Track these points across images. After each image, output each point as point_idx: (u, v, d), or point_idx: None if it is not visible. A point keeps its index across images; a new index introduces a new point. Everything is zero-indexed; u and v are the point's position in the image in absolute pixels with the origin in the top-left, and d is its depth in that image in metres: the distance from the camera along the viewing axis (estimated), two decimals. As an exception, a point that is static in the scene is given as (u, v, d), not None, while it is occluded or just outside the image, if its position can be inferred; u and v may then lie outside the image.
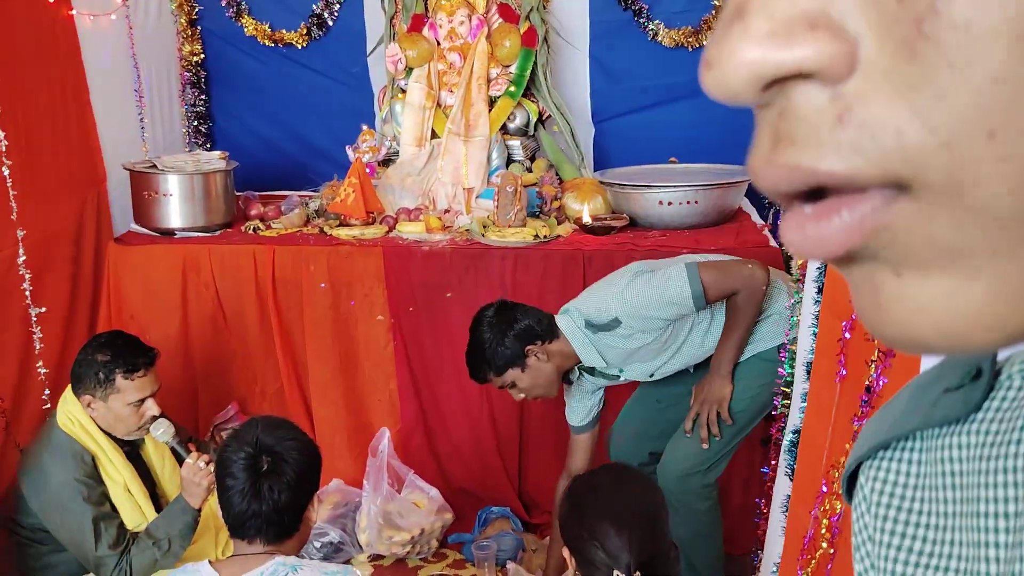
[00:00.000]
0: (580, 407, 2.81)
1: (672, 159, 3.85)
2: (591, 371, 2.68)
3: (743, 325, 2.51)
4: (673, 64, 4.09)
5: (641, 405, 2.89)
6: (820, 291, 1.53)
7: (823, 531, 1.21)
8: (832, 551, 1.18)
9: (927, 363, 0.95)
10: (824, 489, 1.31)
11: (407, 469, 3.26)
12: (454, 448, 3.39)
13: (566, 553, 1.89)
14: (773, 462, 2.12)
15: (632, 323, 2.45)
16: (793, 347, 2.30)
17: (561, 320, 2.57)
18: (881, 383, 1.05)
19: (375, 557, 3.18)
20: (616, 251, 3.22)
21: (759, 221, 3.55)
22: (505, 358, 2.54)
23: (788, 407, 2.27)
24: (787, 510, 1.63)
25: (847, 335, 1.26)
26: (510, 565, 3.01)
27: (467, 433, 3.36)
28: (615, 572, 1.72)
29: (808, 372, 1.57)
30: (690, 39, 4.06)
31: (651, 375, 2.68)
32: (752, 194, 3.71)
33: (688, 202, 3.35)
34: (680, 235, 3.32)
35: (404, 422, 3.36)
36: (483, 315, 2.61)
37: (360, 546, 3.18)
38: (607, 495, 1.87)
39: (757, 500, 2.63)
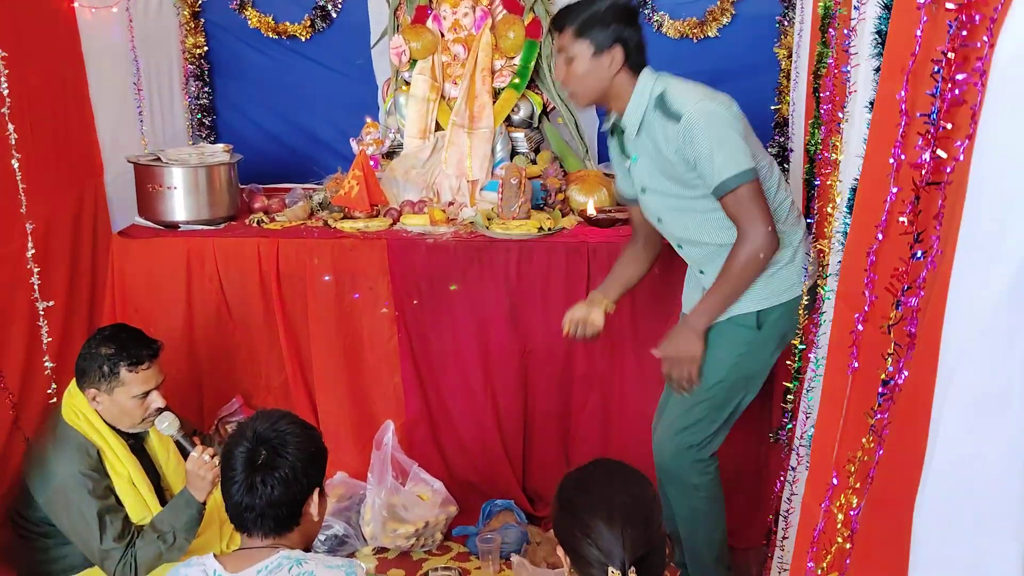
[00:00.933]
0: (621, 176, 2.76)
1: (677, 151, 3.83)
2: (620, 133, 2.61)
3: (732, 283, 2.45)
4: (678, 55, 4.07)
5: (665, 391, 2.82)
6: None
7: (839, 525, 1.21)
8: (849, 546, 1.18)
9: (945, 354, 0.94)
10: (835, 482, 1.30)
11: (411, 462, 3.26)
12: (458, 441, 3.39)
13: (560, 552, 1.88)
14: (788, 462, 2.11)
15: (686, 131, 2.36)
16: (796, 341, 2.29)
17: (648, 73, 2.49)
18: (903, 376, 1.04)
19: (379, 550, 3.18)
20: (621, 243, 3.20)
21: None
22: (597, 29, 2.43)
23: (795, 402, 2.26)
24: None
25: (860, 327, 1.25)
26: (514, 557, 3.01)
27: (471, 426, 3.36)
28: (610, 569, 1.71)
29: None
30: (695, 30, 4.04)
31: (643, 190, 2.62)
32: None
33: (693, 194, 3.33)
34: (685, 227, 3.30)
35: (408, 415, 3.35)
36: None
37: (364, 539, 3.18)
38: (598, 492, 1.86)
39: (776, 492, 2.60)
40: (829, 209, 1.86)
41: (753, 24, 3.96)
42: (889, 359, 1.11)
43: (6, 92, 2.78)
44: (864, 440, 1.16)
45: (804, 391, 2.06)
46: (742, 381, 2.58)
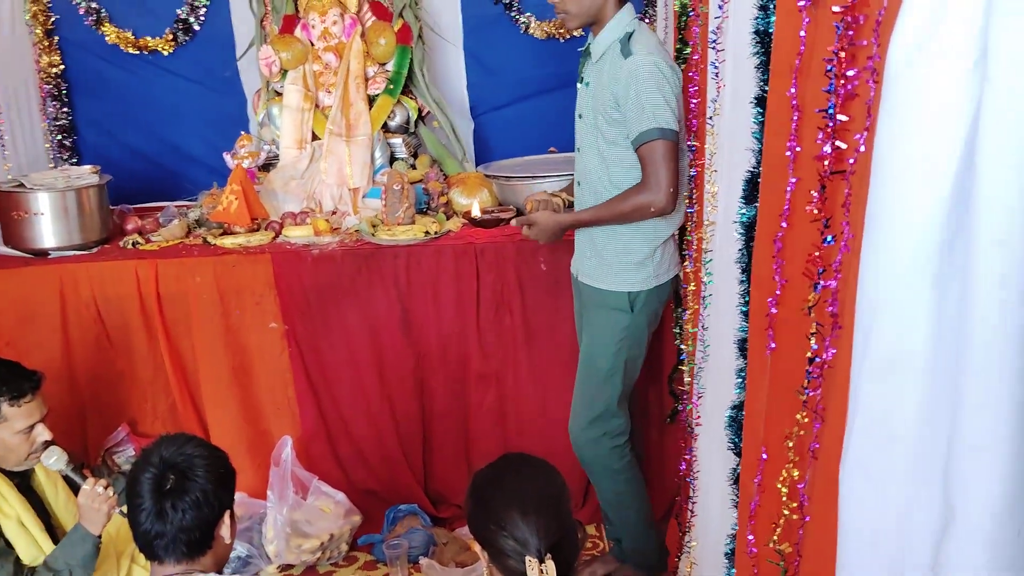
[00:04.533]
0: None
1: (552, 149, 3.92)
2: (587, 55, 2.72)
3: (612, 209, 2.60)
4: (546, 55, 4.16)
5: None
6: (744, 271, 1.61)
7: (784, 499, 1.29)
8: (805, 518, 1.26)
9: (858, 325, 1.02)
10: (764, 457, 1.38)
11: (311, 476, 3.22)
12: (357, 451, 3.37)
13: (477, 547, 1.92)
14: (693, 441, 2.21)
15: (630, 72, 2.49)
16: (689, 325, 2.39)
17: (629, 9, 2.62)
18: (830, 353, 1.13)
19: (285, 567, 3.14)
20: (507, 242, 3.27)
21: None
22: None
23: (690, 383, 2.36)
24: (735, 482, 1.72)
25: (773, 310, 1.34)
26: (423, 560, 3.03)
27: (369, 434, 3.35)
28: (527, 558, 1.75)
29: (740, 349, 1.65)
30: (561, 30, 4.13)
31: (579, 115, 2.76)
32: (632, 180, 3.81)
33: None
34: (567, 223, 3.38)
35: (304, 429, 3.32)
36: None
37: (269, 557, 3.13)
38: (508, 484, 1.91)
39: (680, 475, 2.72)
40: (711, 195, 1.95)
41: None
42: (812, 338, 1.19)
43: None
44: (798, 416, 1.25)
45: (696, 372, 2.16)
46: (628, 363, 2.75)
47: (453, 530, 3.24)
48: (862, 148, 1.02)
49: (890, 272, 0.94)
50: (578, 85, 2.78)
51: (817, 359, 1.20)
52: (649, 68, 2.48)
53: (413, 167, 3.78)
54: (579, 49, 2.82)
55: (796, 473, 1.28)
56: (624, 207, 2.58)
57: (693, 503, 2.23)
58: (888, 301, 0.95)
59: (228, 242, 3.32)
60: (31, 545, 2.52)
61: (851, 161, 1.08)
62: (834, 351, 1.15)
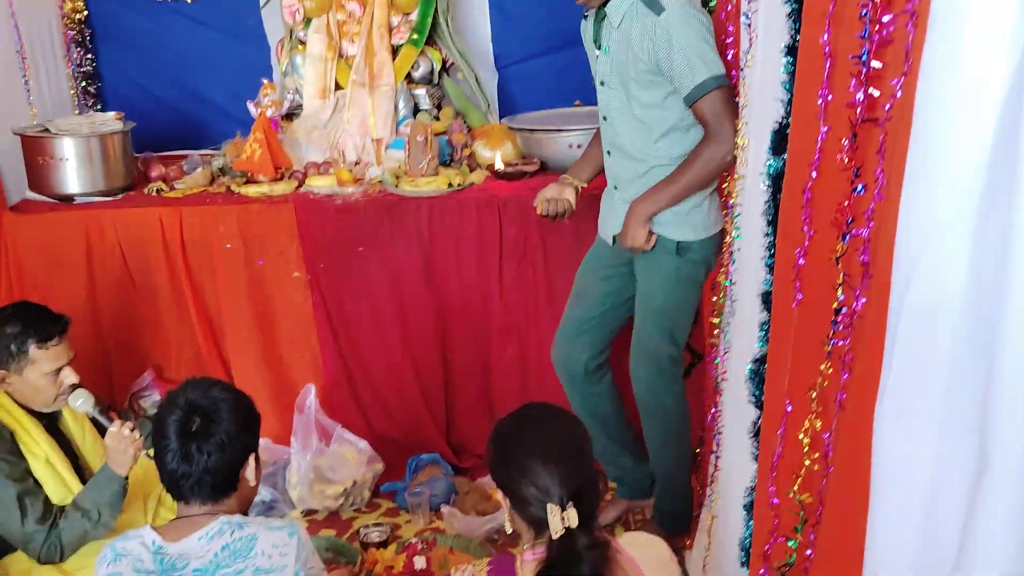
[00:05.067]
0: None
1: (576, 102, 3.88)
2: (601, 18, 2.60)
3: (689, 178, 2.48)
4: (572, 7, 4.06)
5: (576, 311, 2.91)
6: (770, 223, 1.59)
7: (805, 449, 1.29)
8: (829, 468, 1.26)
9: (897, 274, 1.02)
10: (789, 409, 1.39)
11: (334, 423, 3.26)
12: (379, 399, 3.40)
13: (499, 495, 1.94)
14: (718, 396, 2.22)
15: (664, 28, 2.38)
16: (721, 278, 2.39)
17: None
18: (860, 303, 1.12)
19: (308, 512, 3.18)
20: (530, 195, 3.23)
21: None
22: None
23: (718, 338, 2.36)
24: (755, 435, 1.72)
25: (801, 261, 1.33)
26: (444, 508, 3.07)
27: (392, 383, 3.38)
28: (548, 505, 1.77)
29: (763, 302, 1.65)
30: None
31: (602, 83, 2.65)
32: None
33: (596, 144, 3.39)
34: (591, 176, 3.36)
35: (327, 376, 3.35)
36: None
37: (292, 503, 3.18)
38: (530, 433, 1.92)
39: (704, 429, 2.72)
40: (740, 149, 1.94)
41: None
42: (839, 289, 1.19)
43: None
44: (822, 367, 1.24)
45: (723, 327, 2.16)
46: (680, 305, 2.69)
47: (474, 479, 3.27)
48: (899, 94, 1.01)
49: (931, 218, 0.94)
50: (596, 52, 2.65)
51: (844, 309, 1.19)
52: (687, 18, 2.39)
53: (437, 118, 3.76)
54: (584, 14, 2.70)
55: (819, 424, 1.28)
56: (699, 167, 2.47)
57: (717, 457, 2.24)
58: (929, 247, 0.94)
59: (252, 191, 3.33)
60: (59, 485, 2.57)
61: (887, 107, 1.06)
62: (864, 300, 1.14)
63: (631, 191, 2.65)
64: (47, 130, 3.30)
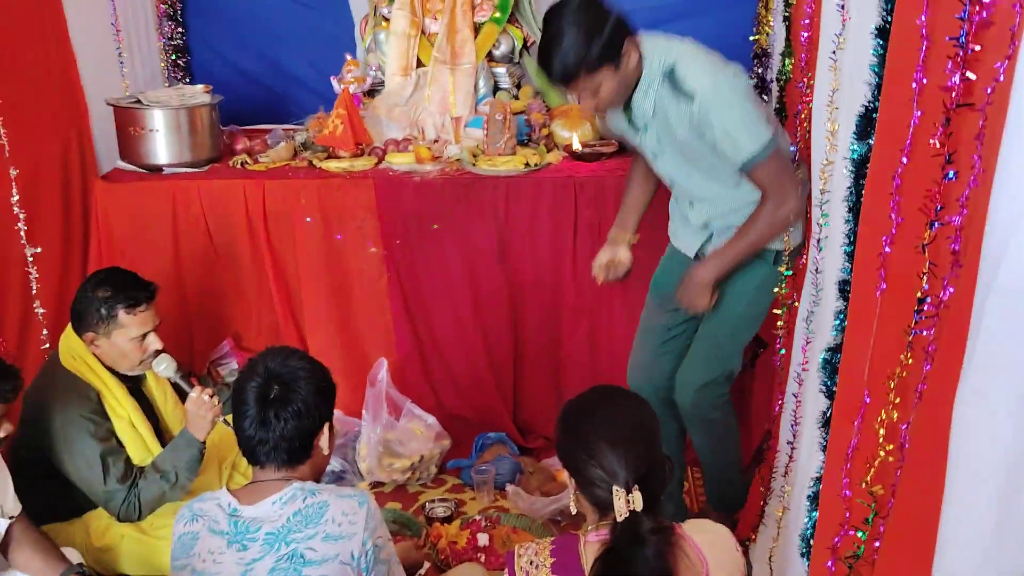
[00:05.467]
0: (621, 126, 2.60)
1: (657, 83, 3.83)
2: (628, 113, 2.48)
3: (753, 240, 2.42)
4: (655, -14, 4.05)
5: (651, 335, 2.85)
6: (851, 210, 1.56)
7: (880, 440, 1.27)
8: (902, 460, 1.24)
9: (984, 261, 0.99)
10: (867, 400, 1.36)
11: (404, 398, 3.30)
12: (450, 376, 3.44)
13: (565, 475, 1.94)
14: (799, 385, 2.18)
15: (702, 111, 2.27)
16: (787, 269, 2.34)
17: (650, 46, 2.33)
18: (948, 292, 1.09)
19: (376, 484, 3.24)
20: (607, 176, 3.24)
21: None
22: (602, 51, 2.24)
23: (784, 328, 2.32)
24: (824, 424, 1.70)
25: (887, 249, 1.30)
26: (509, 487, 3.09)
27: (462, 361, 3.41)
28: (614, 487, 1.77)
29: (840, 291, 1.62)
30: (675, -39, 4.00)
31: (655, 156, 2.54)
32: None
33: (676, 126, 3.35)
34: (669, 159, 3.32)
35: (400, 352, 3.39)
36: (564, 7, 2.26)
37: (361, 474, 3.24)
38: (600, 415, 1.92)
39: (773, 419, 2.68)
40: (828, 134, 1.90)
41: (731, -46, 3.94)
42: (924, 278, 1.16)
43: (-16, 37, 2.74)
44: (902, 357, 1.22)
45: (808, 316, 2.12)
46: (761, 315, 2.63)
47: (540, 460, 3.29)
48: (1001, 78, 0.97)
49: (1022, 203, 0.91)
50: (635, 134, 2.51)
51: (929, 299, 1.16)
52: (717, 97, 2.25)
53: (516, 98, 3.76)
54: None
55: (896, 415, 1.25)
56: (763, 230, 2.39)
57: (793, 448, 2.21)
58: (1019, 230, 0.92)
59: (333, 166, 3.38)
60: (140, 447, 2.66)
61: (988, 91, 1.03)
62: (952, 290, 1.11)
63: (710, 214, 2.55)
64: (139, 101, 3.39)
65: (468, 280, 3.33)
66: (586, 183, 3.23)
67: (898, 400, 1.26)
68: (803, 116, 2.44)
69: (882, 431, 1.29)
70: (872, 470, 1.32)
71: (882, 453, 1.29)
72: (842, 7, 1.88)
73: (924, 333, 1.18)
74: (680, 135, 2.37)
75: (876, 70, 1.48)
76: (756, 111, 2.32)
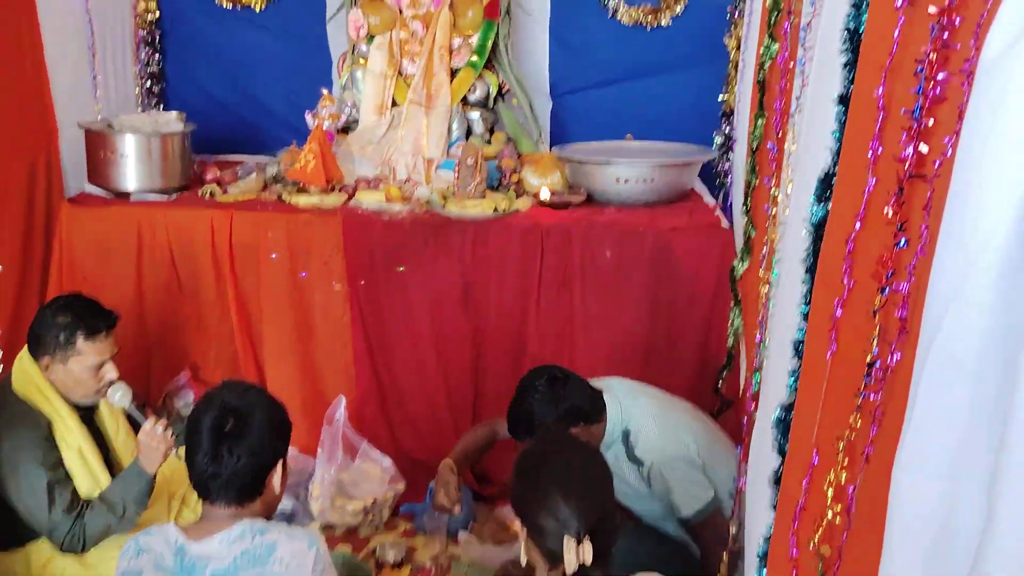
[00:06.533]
0: None
1: (628, 136, 3.90)
2: None
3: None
4: (631, 42, 4.13)
5: None
6: (808, 271, 1.59)
7: (828, 501, 1.29)
8: (840, 521, 1.26)
9: (924, 340, 1.02)
10: (815, 461, 1.38)
11: (361, 438, 3.27)
12: (408, 418, 3.42)
13: (517, 524, 1.94)
14: (748, 439, 2.21)
15: (650, 477, 2.56)
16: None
17: (611, 408, 2.61)
18: (894, 358, 1.12)
19: (327, 526, 3.18)
20: (573, 226, 3.27)
21: (711, 201, 3.63)
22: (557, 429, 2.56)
23: (759, 384, 2.34)
24: (776, 482, 1.72)
25: (839, 312, 1.33)
26: (462, 534, 3.06)
27: (421, 403, 3.39)
28: (566, 537, 1.78)
29: (795, 350, 1.64)
30: (648, 17, 4.08)
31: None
32: (705, 175, 3.79)
33: (644, 180, 3.41)
34: (636, 212, 3.37)
35: (359, 391, 3.37)
36: (533, 383, 2.58)
37: (312, 515, 3.19)
38: (554, 464, 1.94)
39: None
40: (785, 195, 1.94)
41: (704, 14, 4.03)
42: (875, 342, 1.19)
43: (-45, 52, 2.72)
44: (851, 419, 1.24)
45: (752, 374, 2.15)
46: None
47: (495, 508, 3.27)
48: (949, 152, 1.01)
49: (961, 271, 0.95)
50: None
51: (878, 363, 1.19)
52: (665, 468, 2.53)
53: (488, 143, 3.80)
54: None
55: (844, 476, 1.28)
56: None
57: (740, 507, 2.23)
58: (956, 299, 0.95)
59: (302, 201, 3.38)
60: (89, 477, 2.61)
61: (937, 164, 1.07)
62: (899, 355, 1.14)
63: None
64: (111, 125, 3.38)
65: (431, 322, 3.33)
66: (553, 230, 3.26)
67: (847, 461, 1.29)
68: (774, 179, 2.50)
69: (830, 491, 1.31)
70: (820, 530, 1.34)
71: (830, 514, 1.31)
72: (802, 72, 1.94)
73: (872, 397, 1.21)
74: (633, 484, 2.62)
75: (837, 136, 1.53)
76: (700, 476, 2.55)
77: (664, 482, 2.55)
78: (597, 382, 2.67)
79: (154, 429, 2.52)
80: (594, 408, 2.59)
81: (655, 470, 2.55)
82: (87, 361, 2.56)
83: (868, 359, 1.22)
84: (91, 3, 3.64)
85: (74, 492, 2.55)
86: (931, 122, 1.12)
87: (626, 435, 2.60)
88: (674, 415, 2.66)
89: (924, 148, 1.11)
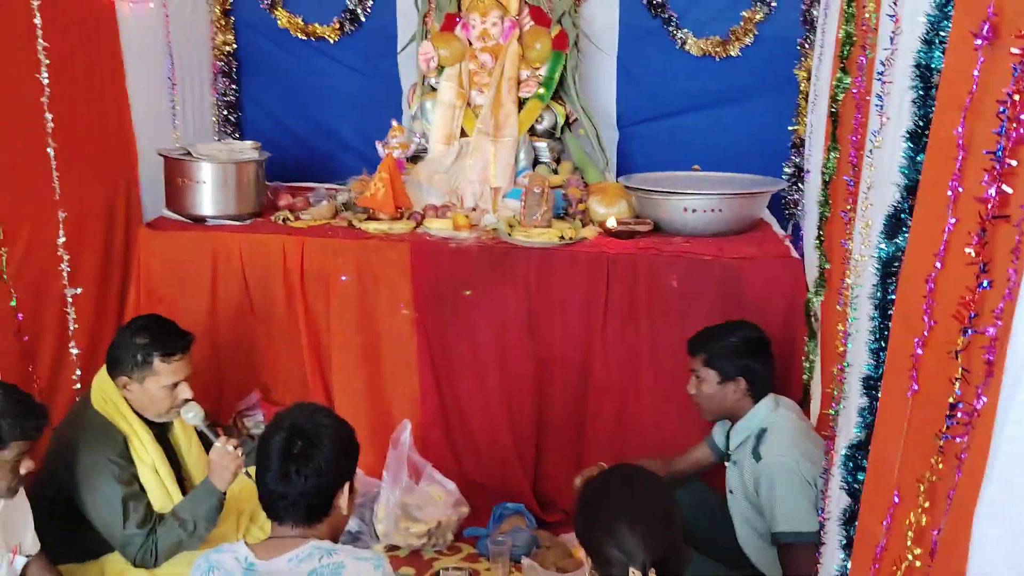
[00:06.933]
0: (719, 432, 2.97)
1: (695, 167, 3.89)
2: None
3: None
4: (700, 73, 4.14)
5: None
6: (877, 307, 1.58)
7: (908, 543, 1.27)
8: (920, 564, 1.24)
9: (1012, 376, 1.00)
10: (896, 500, 1.36)
11: (425, 462, 3.30)
12: (472, 443, 3.44)
13: (581, 553, 1.93)
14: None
15: (762, 477, 2.57)
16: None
17: (765, 404, 2.71)
18: (981, 402, 1.10)
19: (391, 548, 3.21)
20: (640, 255, 3.27)
21: (780, 232, 3.60)
22: (725, 361, 2.72)
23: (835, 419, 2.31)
24: (846, 522, 1.69)
25: (919, 351, 1.31)
26: (524, 560, 3.05)
27: (485, 429, 3.41)
28: (631, 570, 1.76)
29: (865, 387, 1.62)
30: (717, 49, 4.09)
31: (730, 491, 2.78)
32: (774, 205, 3.76)
33: (712, 210, 3.39)
34: (703, 242, 3.36)
35: (424, 415, 3.40)
36: (746, 327, 2.81)
37: (377, 536, 3.22)
38: (620, 495, 1.92)
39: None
40: (860, 230, 1.92)
41: (774, 45, 4.02)
42: (957, 383, 1.17)
43: (46, 82, 2.85)
44: (932, 460, 1.22)
45: (837, 411, 2.12)
46: None
47: (557, 534, 3.26)
48: (1037, 195, 1.00)
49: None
50: (726, 463, 2.82)
51: (961, 404, 1.17)
52: (780, 472, 2.52)
53: (555, 172, 3.83)
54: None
55: (926, 519, 1.25)
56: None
57: (822, 545, 2.19)
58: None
59: (372, 227, 3.44)
60: (162, 493, 2.68)
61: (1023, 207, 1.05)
62: (985, 399, 1.11)
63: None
64: (189, 153, 3.49)
65: (496, 348, 3.35)
66: (619, 260, 3.26)
67: (928, 504, 1.26)
68: (851, 212, 2.47)
69: (910, 534, 1.28)
70: (899, 572, 1.31)
71: (910, 557, 1.28)
72: (881, 107, 1.92)
73: (957, 440, 1.18)
74: (747, 485, 2.65)
75: (905, 172, 1.51)
76: (807, 503, 2.50)
77: (771, 489, 2.53)
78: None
79: (224, 448, 2.58)
80: (764, 386, 2.72)
81: (767, 472, 2.54)
82: (163, 381, 2.64)
83: (951, 400, 1.20)
84: (171, 36, 3.78)
85: (148, 507, 2.61)
86: (1014, 163, 1.10)
87: (762, 432, 2.64)
88: (811, 444, 2.63)
89: (1008, 189, 1.09)
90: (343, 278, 3.35)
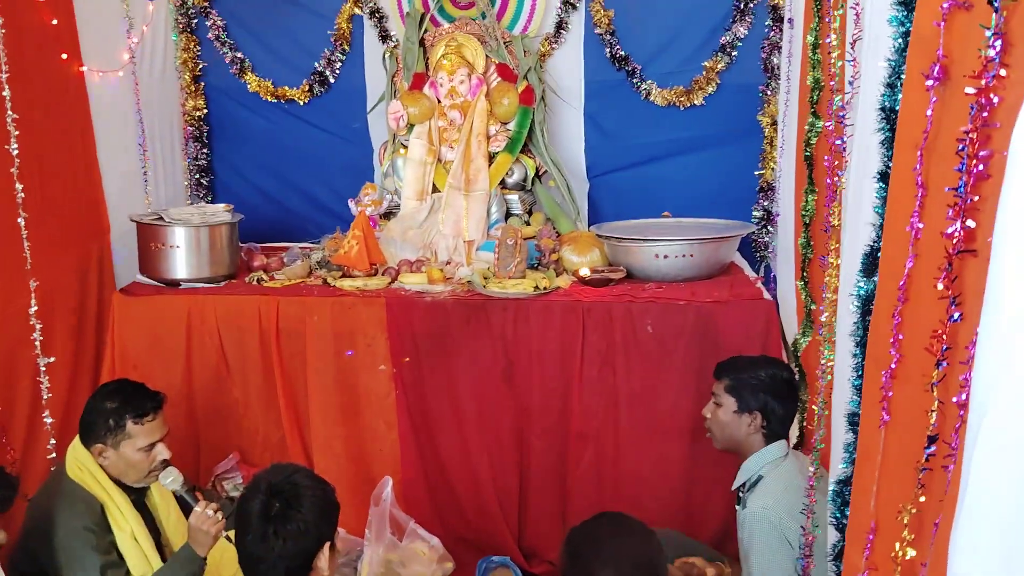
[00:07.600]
0: None
1: (665, 213, 3.95)
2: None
3: None
4: (665, 122, 4.21)
5: None
6: (858, 344, 1.60)
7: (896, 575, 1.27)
8: None
9: (976, 411, 1.01)
10: (871, 537, 1.37)
11: (408, 518, 3.27)
12: (454, 498, 3.41)
13: None
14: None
15: (745, 522, 2.56)
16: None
17: (776, 448, 2.65)
18: (956, 440, 1.11)
19: (376, 607, 3.18)
20: (614, 302, 3.30)
21: (751, 274, 3.64)
22: (747, 392, 2.67)
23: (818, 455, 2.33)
24: (836, 558, 1.70)
25: (888, 384, 1.33)
26: (511, 614, 3.03)
27: (467, 482, 3.39)
28: None
29: (849, 423, 1.64)
30: (682, 98, 4.17)
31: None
32: (744, 248, 3.81)
33: (684, 255, 3.44)
34: (676, 287, 3.39)
35: (405, 471, 3.38)
36: (777, 365, 2.76)
37: (361, 596, 3.18)
38: (606, 543, 1.92)
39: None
40: (831, 271, 1.96)
41: (737, 93, 4.10)
42: (933, 415, 1.19)
43: (15, 152, 2.85)
44: (914, 491, 1.23)
45: (813, 450, 2.13)
46: None
47: (543, 586, 3.24)
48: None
49: (1007, 348, 0.94)
50: (736, 507, 2.76)
51: (938, 436, 1.18)
52: (757, 523, 2.49)
53: (527, 223, 3.87)
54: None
55: (912, 552, 1.25)
56: None
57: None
58: (1004, 380, 0.95)
59: (347, 284, 3.45)
60: (141, 561, 2.63)
61: (990, 240, 1.08)
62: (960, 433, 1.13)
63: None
64: (161, 218, 3.49)
65: (475, 401, 3.35)
66: (594, 307, 3.28)
67: (913, 537, 1.27)
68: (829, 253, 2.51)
69: (898, 568, 1.28)
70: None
71: (898, 588, 1.29)
72: (844, 150, 1.97)
73: (940, 472, 1.19)
74: (740, 520, 2.64)
75: (879, 211, 1.55)
76: (782, 560, 2.45)
77: (751, 539, 2.50)
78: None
79: (204, 512, 2.54)
80: (777, 428, 2.67)
81: (749, 522, 2.51)
82: (138, 443, 2.61)
83: (928, 433, 1.21)
84: (141, 103, 3.81)
85: (127, 575, 2.57)
86: (976, 198, 1.13)
87: (758, 479, 2.61)
88: (802, 504, 2.50)
89: (972, 223, 1.12)
90: (349, 353, 3.34)
